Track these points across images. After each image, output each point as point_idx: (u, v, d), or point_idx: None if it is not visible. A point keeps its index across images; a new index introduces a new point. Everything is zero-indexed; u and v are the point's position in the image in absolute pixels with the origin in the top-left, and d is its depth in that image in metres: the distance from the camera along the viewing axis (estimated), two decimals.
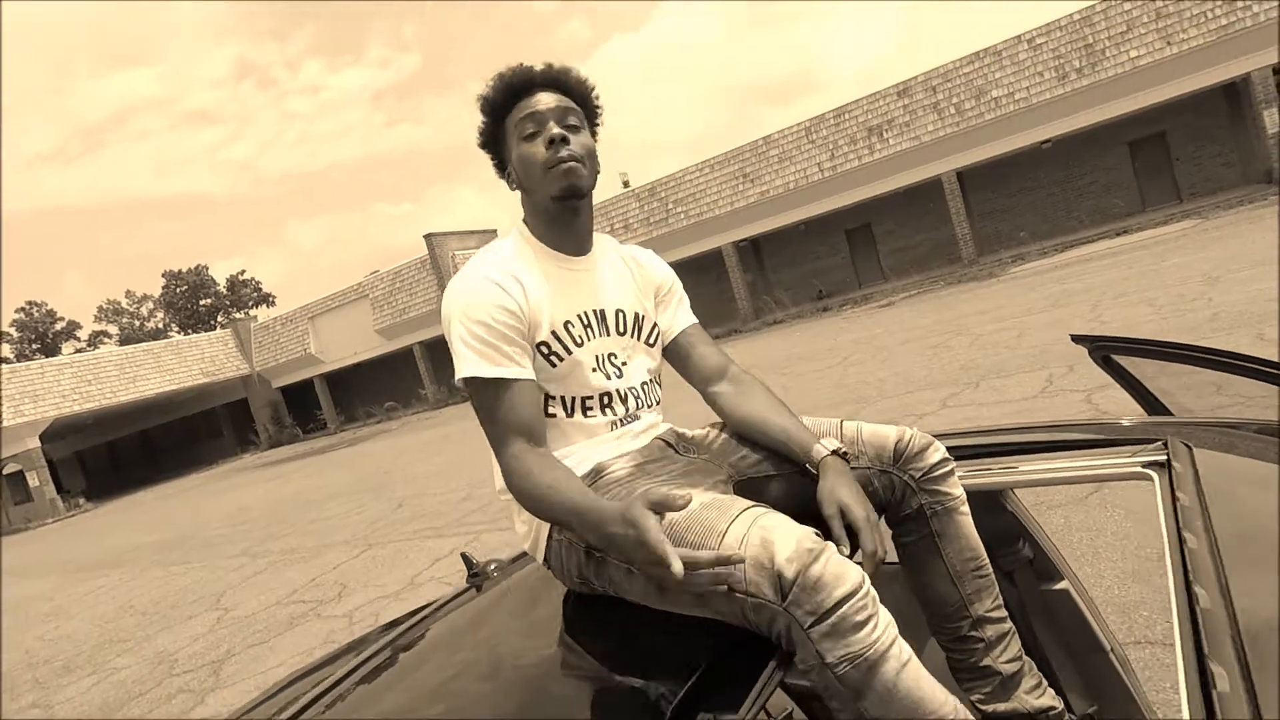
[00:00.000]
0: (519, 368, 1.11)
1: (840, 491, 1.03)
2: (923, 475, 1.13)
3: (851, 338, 12.25)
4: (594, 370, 1.18)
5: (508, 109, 1.19)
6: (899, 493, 1.15)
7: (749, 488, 1.17)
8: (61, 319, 63.29)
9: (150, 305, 65.69)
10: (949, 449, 1.17)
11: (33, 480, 25.91)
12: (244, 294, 64.69)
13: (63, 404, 26.16)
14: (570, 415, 1.17)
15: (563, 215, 1.19)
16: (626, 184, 25.25)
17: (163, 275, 66.23)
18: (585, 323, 1.18)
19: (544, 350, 1.14)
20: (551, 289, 1.17)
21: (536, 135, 1.16)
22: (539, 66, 1.22)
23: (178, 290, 64.54)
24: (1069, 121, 17.69)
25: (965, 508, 1.15)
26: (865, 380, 7.72)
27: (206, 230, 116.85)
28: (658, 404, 1.30)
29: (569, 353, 1.16)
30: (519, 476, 1.06)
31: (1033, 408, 4.85)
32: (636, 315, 1.26)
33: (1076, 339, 1.51)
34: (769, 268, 23.97)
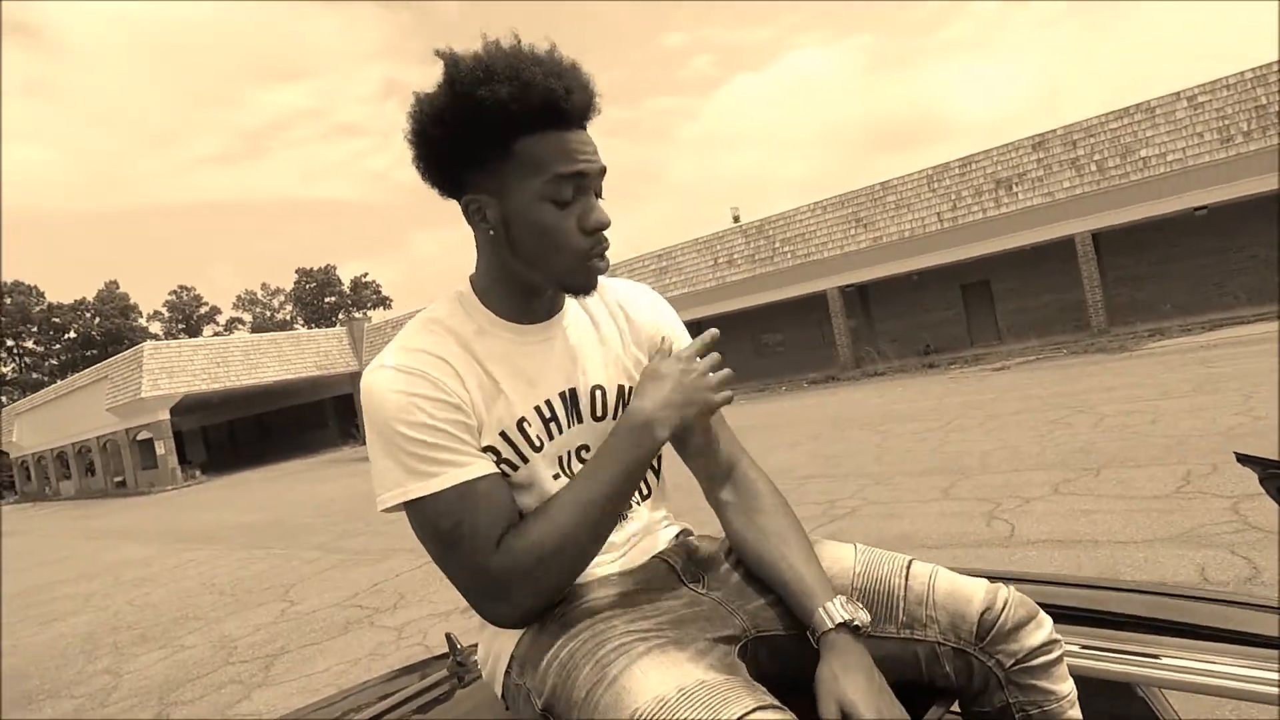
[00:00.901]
0: (478, 464, 0.84)
1: (845, 685, 0.74)
2: (1016, 663, 0.82)
3: (958, 400, 11.48)
4: (555, 477, 0.90)
5: (524, 129, 0.82)
6: (979, 681, 0.84)
7: (767, 652, 0.88)
8: (206, 304, 69.26)
9: (281, 298, 70.91)
10: (1060, 608, 0.87)
11: (159, 449, 28.15)
12: (364, 295, 68.82)
13: (194, 382, 28.36)
14: None
15: (548, 292, 0.92)
16: (737, 219, 25.10)
17: (296, 271, 71.47)
18: (547, 415, 0.90)
19: (493, 457, 0.87)
20: (501, 372, 0.88)
21: (571, 206, 0.84)
22: (571, 86, 0.83)
23: (307, 286, 69.39)
24: (1231, 188, 16.15)
25: (1075, 711, 0.83)
26: (968, 450, 7.13)
27: (339, 233, 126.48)
28: (653, 496, 1.00)
29: (525, 460, 0.88)
30: (517, 582, 0.81)
31: (1163, 509, 4.25)
32: (620, 390, 0.95)
33: (1243, 460, 1.18)
34: (875, 316, 23.10)
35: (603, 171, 0.86)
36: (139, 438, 29.55)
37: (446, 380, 0.84)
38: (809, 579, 0.86)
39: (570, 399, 0.92)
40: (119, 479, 31.13)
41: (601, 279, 0.96)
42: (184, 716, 3.85)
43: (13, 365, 61.68)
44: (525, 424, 0.88)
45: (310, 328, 53.15)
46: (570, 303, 0.96)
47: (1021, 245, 18.73)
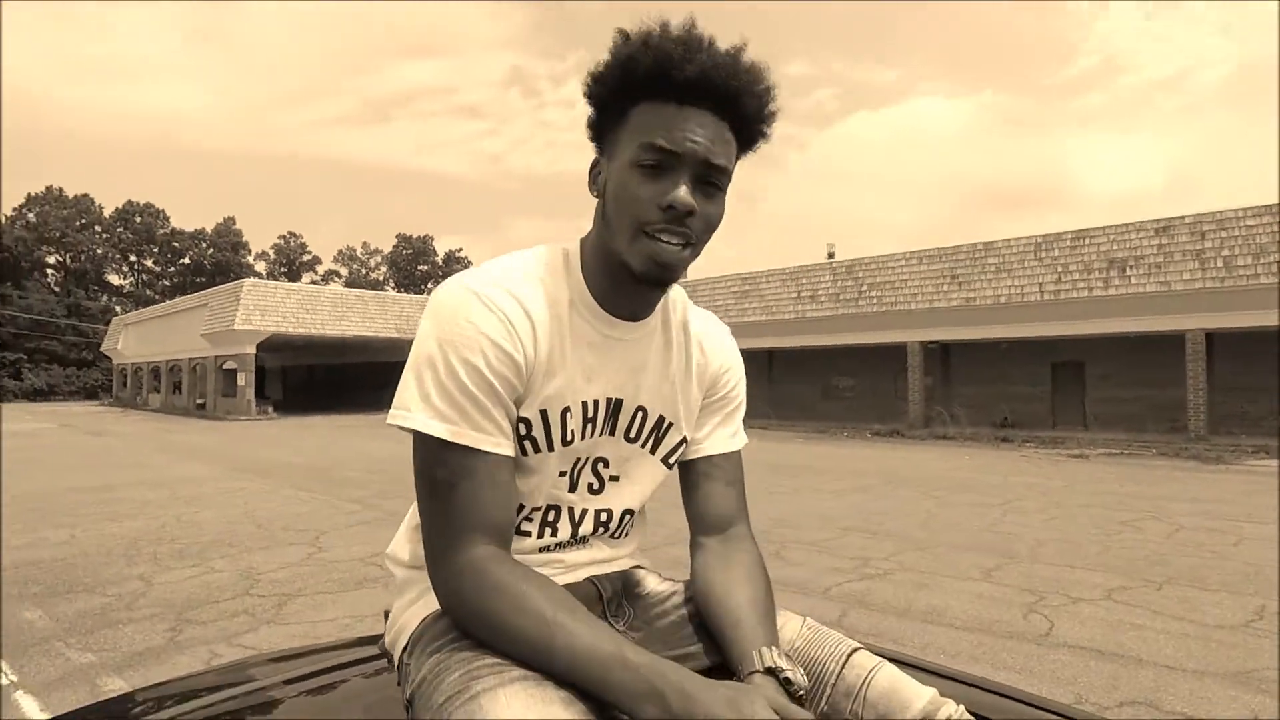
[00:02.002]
0: (504, 440, 0.79)
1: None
2: None
3: (1024, 480, 10.90)
4: (562, 475, 0.86)
5: (644, 94, 0.79)
6: None
7: None
8: (309, 253, 72.94)
9: (378, 259, 73.96)
10: None
11: (240, 380, 29.74)
12: (454, 268, 70.99)
13: (283, 323, 29.84)
14: None
15: (628, 281, 0.84)
16: (831, 255, 24.68)
17: (396, 236, 74.44)
18: (589, 414, 0.86)
19: (521, 429, 0.82)
20: (573, 354, 0.84)
21: (657, 174, 0.78)
22: (722, 58, 0.79)
23: (404, 252, 72.15)
24: None
25: None
26: (1022, 534, 6.74)
27: (442, 207, 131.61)
28: (625, 537, 0.96)
29: (549, 448, 0.84)
30: (474, 595, 0.74)
31: (1226, 640, 3.88)
32: (660, 421, 0.92)
33: None
34: (954, 378, 22.25)
35: (708, 163, 0.79)
36: (224, 366, 31.31)
37: (523, 333, 0.80)
38: (754, 625, 0.80)
39: (613, 408, 0.88)
40: (200, 401, 33.03)
41: (689, 311, 0.96)
42: (193, 636, 4.00)
43: (131, 279, 66.46)
44: (568, 414, 0.84)
45: (399, 291, 55.33)
46: (656, 318, 0.91)
47: (1126, 332, 17.69)
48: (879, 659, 0.82)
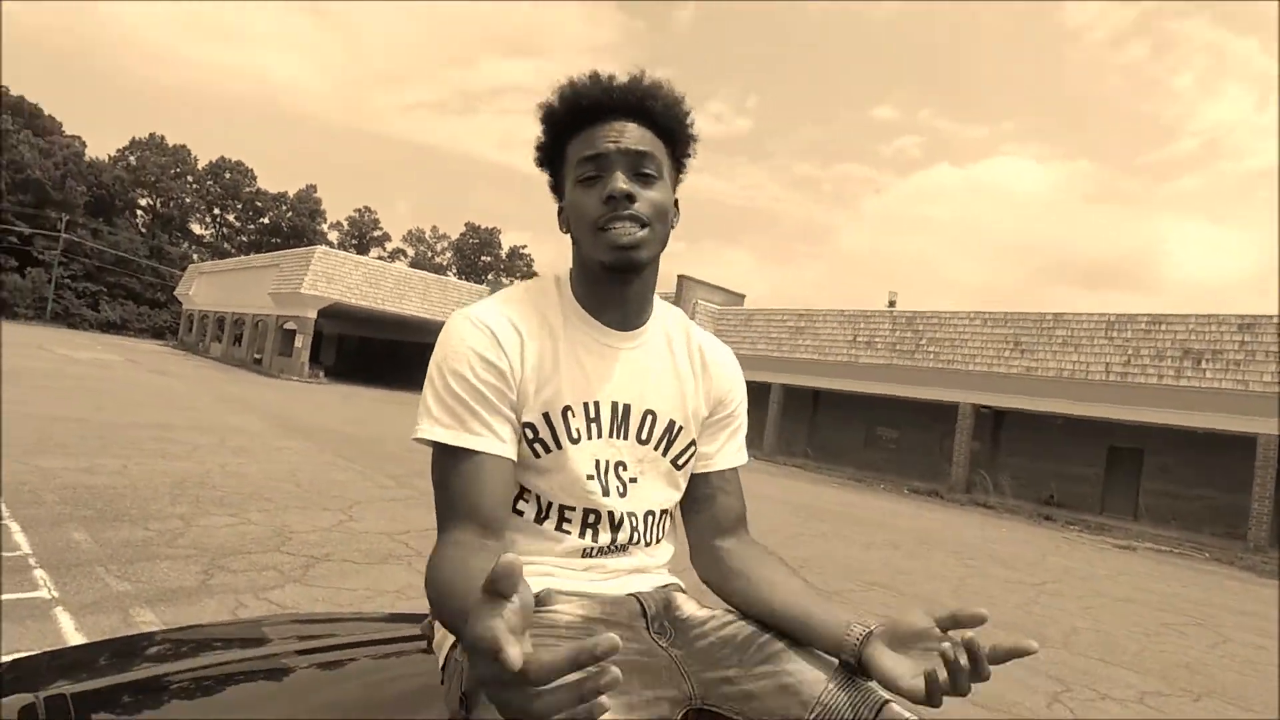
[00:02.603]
0: (493, 440, 0.87)
1: (901, 661, 0.80)
2: None
3: (1065, 563, 10.49)
4: (590, 477, 0.91)
5: (573, 129, 0.94)
6: None
7: None
8: (380, 229, 75.02)
9: (445, 244, 75.65)
10: None
11: (298, 342, 30.68)
12: (516, 264, 72.20)
13: (346, 293, 30.72)
14: (540, 521, 0.92)
15: (608, 282, 0.95)
16: (892, 303, 24.30)
17: (465, 225, 76.00)
18: (592, 415, 0.92)
19: (528, 433, 0.90)
20: (566, 359, 0.92)
21: (595, 181, 0.91)
22: (620, 79, 0.94)
23: (470, 241, 73.64)
24: None
25: None
26: (1056, 619, 6.49)
27: (515, 202, 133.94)
28: (659, 544, 1.00)
29: (558, 446, 0.90)
30: (434, 566, 0.80)
31: None
32: (671, 425, 0.97)
33: None
34: (1003, 447, 21.60)
35: (633, 152, 0.91)
36: (285, 326, 32.35)
37: (508, 345, 0.89)
38: (826, 609, 0.88)
39: (621, 412, 0.93)
40: (257, 356, 34.17)
41: (690, 328, 1.04)
42: (223, 582, 4.13)
43: (212, 231, 69.36)
44: (569, 413, 0.91)
45: (461, 278, 56.51)
46: (653, 327, 1.00)
47: (1194, 426, 16.93)
48: (910, 715, 0.83)
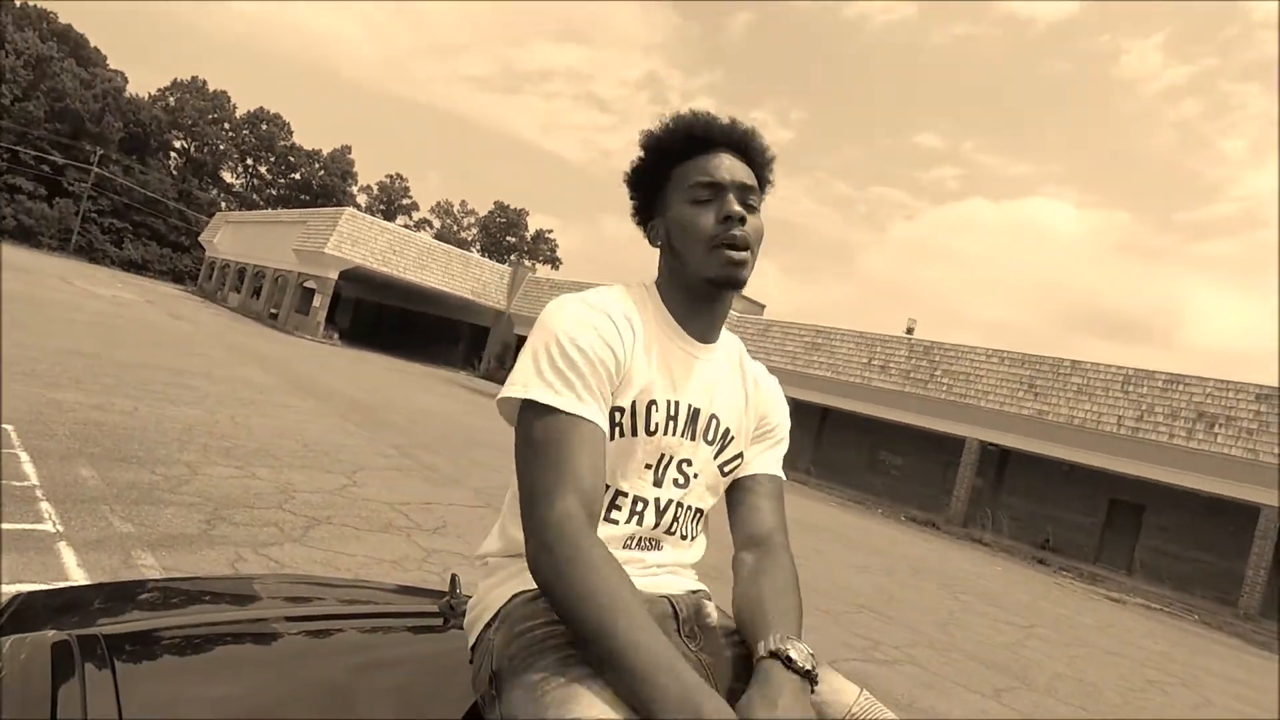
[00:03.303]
0: (599, 412, 0.91)
1: (757, 711, 0.74)
2: None
3: (1055, 608, 10.44)
4: (648, 467, 0.97)
5: (679, 158, 1.04)
6: None
7: None
8: (410, 198, 75.25)
9: (471, 220, 75.82)
10: None
11: (316, 301, 30.86)
12: (541, 247, 72.30)
13: (369, 257, 30.87)
14: None
15: (705, 297, 1.03)
16: (910, 331, 24.18)
17: (494, 203, 76.12)
18: (672, 413, 0.99)
19: (614, 415, 0.94)
20: (658, 359, 0.98)
21: (709, 203, 1.00)
22: (724, 120, 1.05)
23: (498, 220, 73.78)
24: None
25: None
26: (1039, 663, 6.46)
27: (547, 186, 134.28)
28: (693, 543, 1.05)
29: (635, 434, 0.95)
30: (559, 545, 0.79)
31: None
32: (727, 432, 1.05)
33: None
34: (1006, 486, 21.48)
35: (743, 185, 1.01)
36: (305, 284, 32.53)
37: (622, 330, 0.95)
38: (773, 617, 0.88)
39: (693, 415, 1.01)
40: (273, 311, 34.40)
41: (744, 353, 1.13)
42: (224, 534, 4.17)
43: (242, 181, 69.78)
44: (653, 407, 0.96)
45: (484, 255, 56.65)
46: (723, 344, 1.09)
47: (1198, 489, 16.78)
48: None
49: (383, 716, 0.91)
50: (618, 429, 0.94)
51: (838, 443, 24.55)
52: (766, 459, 1.11)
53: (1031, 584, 13.00)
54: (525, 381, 0.89)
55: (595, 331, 0.93)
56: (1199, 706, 6.44)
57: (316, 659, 1.06)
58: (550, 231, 74.34)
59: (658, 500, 0.98)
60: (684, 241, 1.01)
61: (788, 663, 0.80)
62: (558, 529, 0.81)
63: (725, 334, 1.10)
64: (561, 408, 0.87)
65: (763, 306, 31.15)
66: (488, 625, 0.91)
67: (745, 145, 1.05)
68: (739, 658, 0.91)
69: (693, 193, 1.00)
